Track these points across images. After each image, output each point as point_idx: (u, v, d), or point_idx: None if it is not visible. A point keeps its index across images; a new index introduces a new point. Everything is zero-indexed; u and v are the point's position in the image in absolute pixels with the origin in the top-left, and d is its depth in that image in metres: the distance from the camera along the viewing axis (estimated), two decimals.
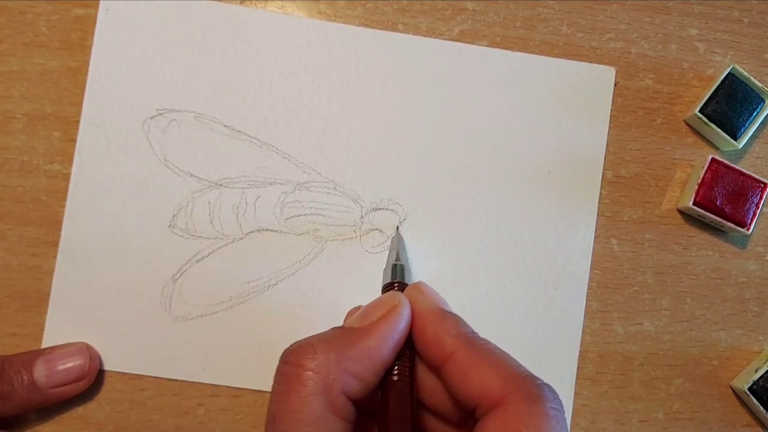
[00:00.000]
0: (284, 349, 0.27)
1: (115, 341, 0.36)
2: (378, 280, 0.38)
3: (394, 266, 0.32)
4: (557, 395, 0.23)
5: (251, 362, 0.37)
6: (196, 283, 0.37)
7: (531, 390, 0.23)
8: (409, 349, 0.27)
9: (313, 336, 0.25)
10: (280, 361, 0.24)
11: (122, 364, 0.36)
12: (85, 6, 0.38)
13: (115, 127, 0.37)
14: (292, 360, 0.24)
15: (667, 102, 0.40)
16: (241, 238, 0.37)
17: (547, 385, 0.24)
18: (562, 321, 0.38)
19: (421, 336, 0.26)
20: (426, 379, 0.27)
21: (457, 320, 0.27)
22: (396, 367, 0.26)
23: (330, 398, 0.23)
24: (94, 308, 0.36)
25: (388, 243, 0.38)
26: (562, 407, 0.23)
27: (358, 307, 0.28)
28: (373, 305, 0.27)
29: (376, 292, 0.38)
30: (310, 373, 0.23)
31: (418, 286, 0.29)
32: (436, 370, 0.26)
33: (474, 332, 0.26)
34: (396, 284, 0.30)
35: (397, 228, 0.37)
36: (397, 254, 0.33)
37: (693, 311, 0.39)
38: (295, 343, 0.25)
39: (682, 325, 0.39)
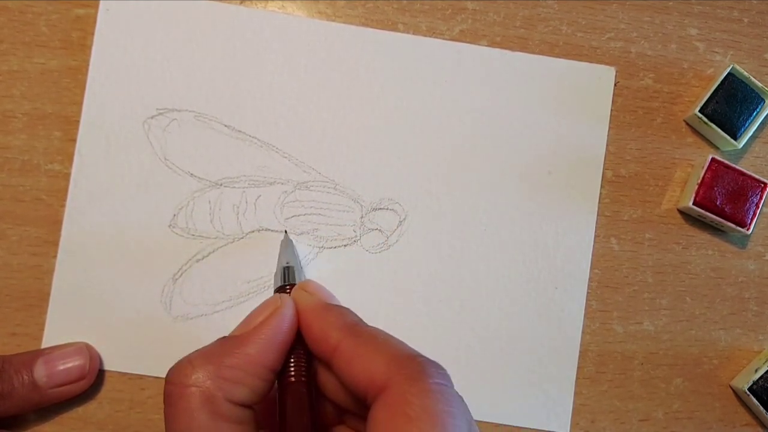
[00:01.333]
0: None
1: (115, 341, 0.36)
2: (378, 281, 0.38)
3: (285, 269, 0.32)
4: (443, 370, 0.23)
5: None
6: (197, 283, 0.37)
7: (413, 368, 0.23)
8: (303, 347, 0.27)
9: (193, 352, 0.25)
10: (164, 382, 0.25)
11: (122, 364, 0.36)
12: (85, 6, 0.38)
13: (115, 126, 0.37)
14: (174, 379, 0.24)
15: (667, 102, 0.40)
16: (242, 238, 0.37)
17: (431, 361, 0.23)
18: (562, 321, 0.38)
19: (308, 333, 0.27)
20: (325, 376, 0.27)
21: (341, 311, 0.27)
22: (292, 368, 0.26)
23: (215, 408, 0.24)
24: (94, 308, 0.36)
25: (388, 242, 0.38)
26: (450, 381, 0.23)
27: None
28: (256, 311, 0.27)
29: (376, 292, 0.38)
30: (193, 389, 0.24)
31: (304, 284, 0.29)
32: (327, 364, 0.26)
33: (360, 321, 0.26)
34: (288, 287, 0.30)
35: (286, 231, 0.37)
36: (287, 256, 0.33)
37: (693, 311, 0.39)
38: (177, 362, 0.25)
39: (681, 324, 0.39)
